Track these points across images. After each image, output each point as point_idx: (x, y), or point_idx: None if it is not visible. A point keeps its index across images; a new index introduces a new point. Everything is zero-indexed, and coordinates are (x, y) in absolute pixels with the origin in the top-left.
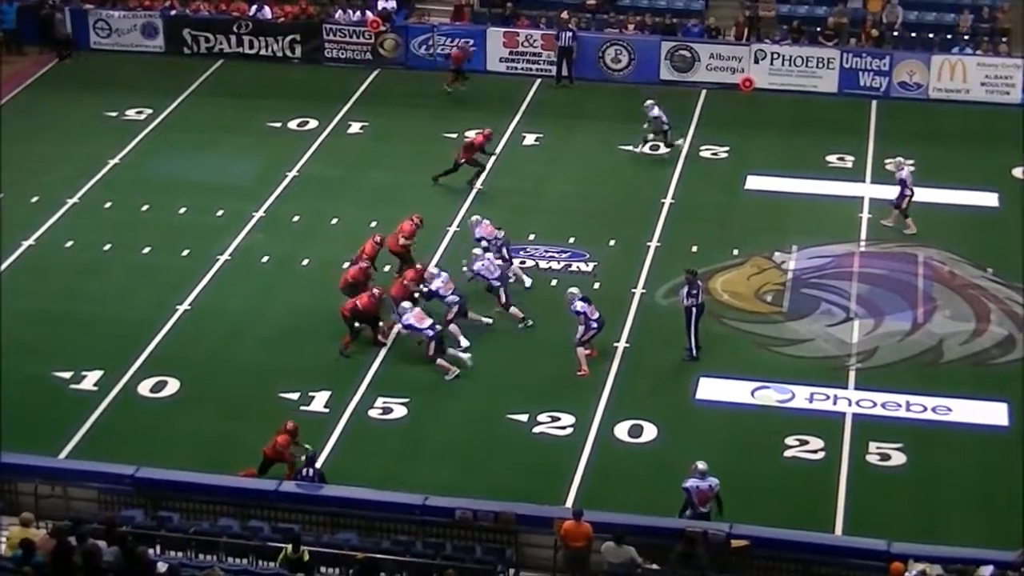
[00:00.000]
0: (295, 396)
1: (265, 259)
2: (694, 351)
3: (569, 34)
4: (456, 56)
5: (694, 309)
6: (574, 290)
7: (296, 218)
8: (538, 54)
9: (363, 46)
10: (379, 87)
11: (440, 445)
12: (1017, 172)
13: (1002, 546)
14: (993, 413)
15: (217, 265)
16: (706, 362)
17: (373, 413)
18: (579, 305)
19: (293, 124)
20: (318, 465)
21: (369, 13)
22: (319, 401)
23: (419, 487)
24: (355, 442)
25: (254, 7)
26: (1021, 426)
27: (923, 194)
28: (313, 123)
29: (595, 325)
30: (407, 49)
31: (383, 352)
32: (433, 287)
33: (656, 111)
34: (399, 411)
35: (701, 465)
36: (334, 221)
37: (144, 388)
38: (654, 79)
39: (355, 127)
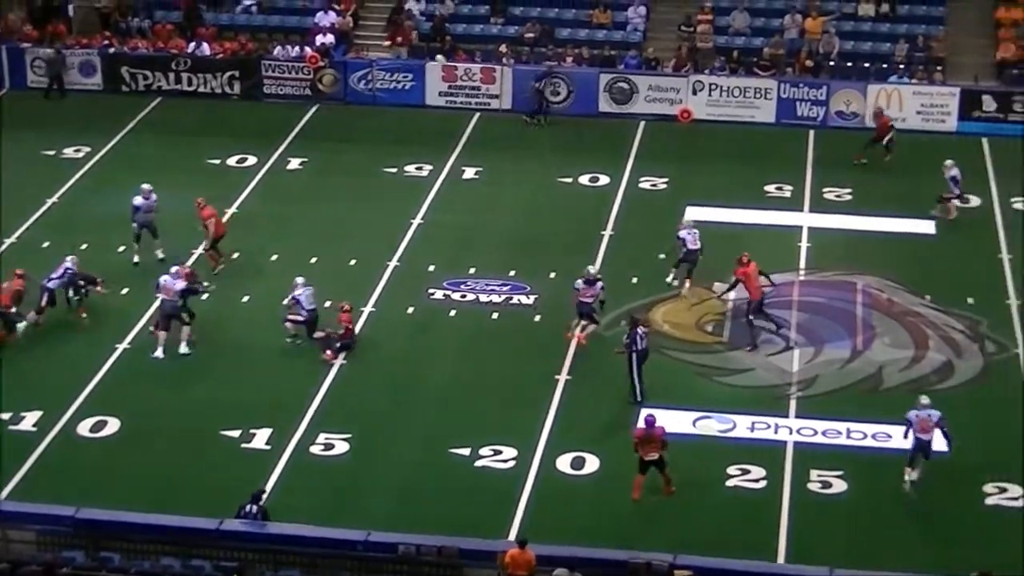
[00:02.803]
0: (236, 433)
1: (205, 297)
2: (638, 395)
3: (545, 78)
4: (884, 123)
5: (633, 355)
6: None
7: (236, 255)
8: (477, 88)
9: (302, 82)
10: (318, 122)
11: (383, 480)
12: (954, 200)
13: (944, 571)
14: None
15: (157, 303)
16: (648, 393)
17: (315, 449)
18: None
19: (232, 161)
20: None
21: (307, 49)
22: (260, 438)
23: (362, 522)
24: (297, 478)
25: (192, 44)
26: (960, 451)
27: (861, 222)
28: (252, 159)
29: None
30: (346, 84)
31: (324, 388)
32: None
33: None
34: (341, 447)
35: (924, 400)
36: (274, 258)
37: (84, 428)
38: (593, 111)
39: (295, 163)
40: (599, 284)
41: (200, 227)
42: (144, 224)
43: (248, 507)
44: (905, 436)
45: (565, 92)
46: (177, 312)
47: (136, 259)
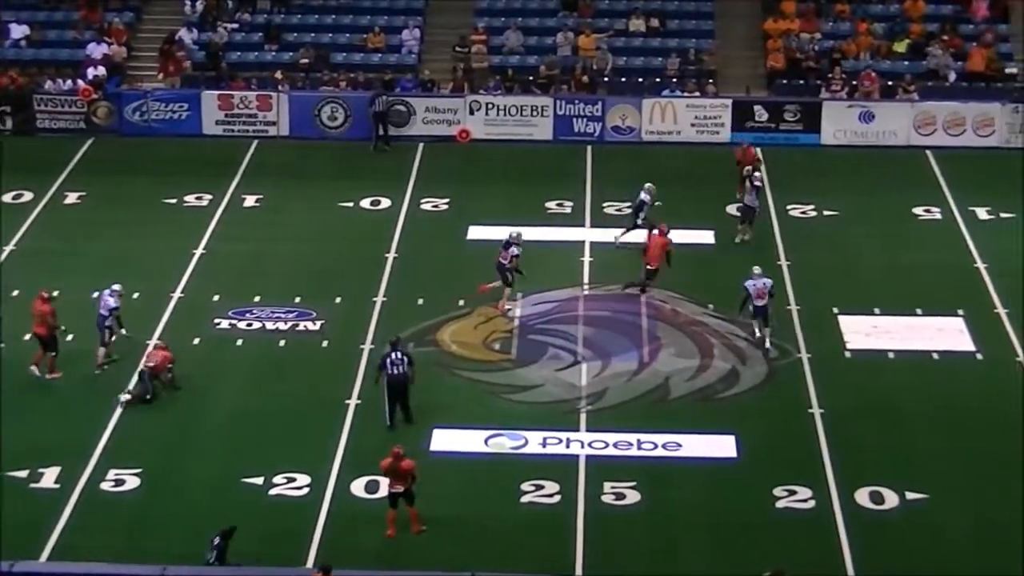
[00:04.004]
0: (24, 474)
1: None
2: (387, 419)
3: (383, 98)
4: (750, 155)
5: (385, 380)
6: None
7: (15, 293)
8: (254, 115)
9: (76, 115)
10: (95, 156)
11: (176, 514)
12: (731, 209)
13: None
14: (721, 446)
15: None
16: (439, 413)
17: (105, 486)
18: None
19: (7, 198)
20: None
21: (80, 82)
22: (49, 477)
23: (157, 558)
24: (89, 517)
25: None
26: (749, 457)
27: (642, 235)
28: (28, 195)
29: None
30: (121, 116)
31: (112, 423)
32: None
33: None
34: (132, 482)
35: (756, 270)
36: (55, 294)
37: None
38: (371, 135)
39: (72, 197)
40: (512, 248)
41: None
42: None
43: (214, 539)
44: (744, 304)
45: (343, 117)
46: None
47: None
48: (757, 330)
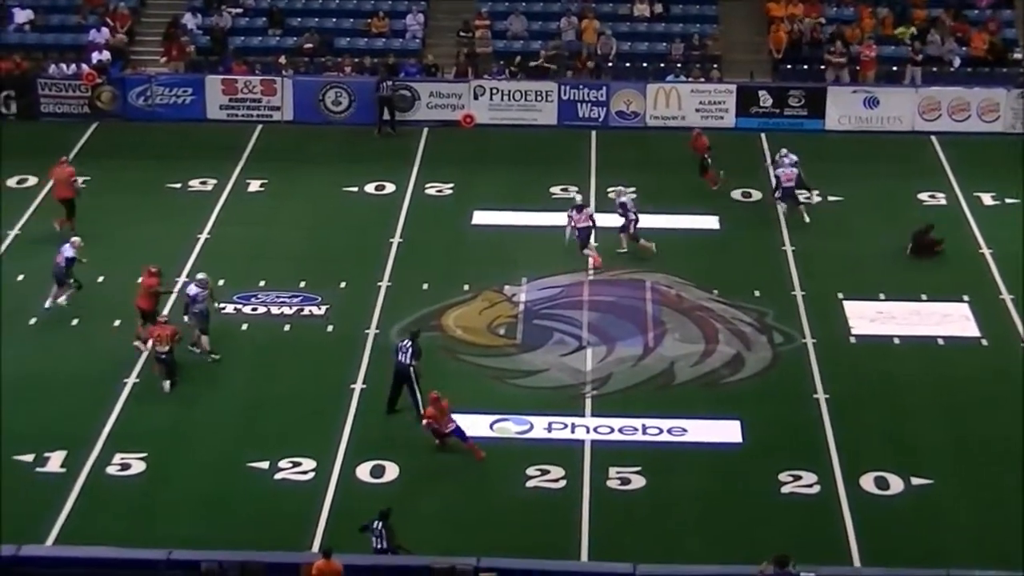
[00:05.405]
0: (30, 458)
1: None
2: (386, 404)
3: (389, 83)
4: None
5: (397, 371)
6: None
7: (21, 277)
8: (258, 100)
9: (80, 99)
10: (99, 140)
11: (182, 498)
12: (736, 194)
13: (742, 562)
14: (727, 431)
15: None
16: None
17: (111, 470)
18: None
19: (12, 182)
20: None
21: (84, 66)
22: (55, 461)
23: (163, 542)
24: (95, 501)
25: None
26: (754, 442)
27: (647, 220)
28: (32, 180)
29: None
30: (125, 100)
31: (118, 408)
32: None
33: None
34: (138, 466)
35: (783, 151)
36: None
37: None
38: (375, 120)
39: (77, 182)
40: (587, 209)
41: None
42: None
43: (375, 523)
44: (777, 188)
45: (347, 101)
46: (62, 277)
47: None
48: (802, 209)
